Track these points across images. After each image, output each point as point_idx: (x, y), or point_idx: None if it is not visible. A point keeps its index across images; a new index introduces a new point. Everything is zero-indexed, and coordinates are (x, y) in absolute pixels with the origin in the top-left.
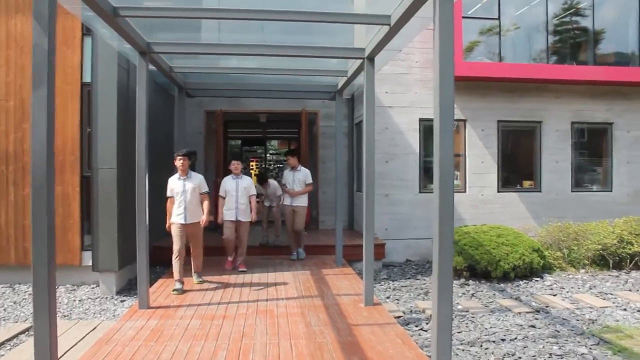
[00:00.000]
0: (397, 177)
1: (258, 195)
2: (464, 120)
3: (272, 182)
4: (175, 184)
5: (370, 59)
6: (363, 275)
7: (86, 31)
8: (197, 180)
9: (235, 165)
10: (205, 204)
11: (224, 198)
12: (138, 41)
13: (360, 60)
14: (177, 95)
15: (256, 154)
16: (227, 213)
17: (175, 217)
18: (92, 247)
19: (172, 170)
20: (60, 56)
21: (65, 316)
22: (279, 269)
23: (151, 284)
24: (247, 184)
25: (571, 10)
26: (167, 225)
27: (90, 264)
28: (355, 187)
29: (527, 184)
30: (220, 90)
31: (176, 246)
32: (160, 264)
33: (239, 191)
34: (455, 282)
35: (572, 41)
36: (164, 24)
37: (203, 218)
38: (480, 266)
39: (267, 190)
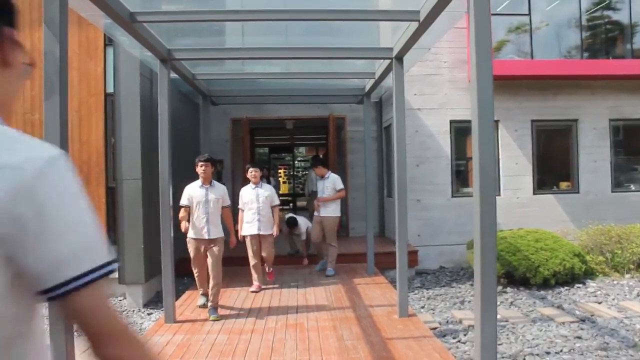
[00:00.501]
0: (429, 182)
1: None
2: (497, 121)
3: (301, 220)
4: (195, 192)
5: (399, 58)
6: (397, 285)
7: (108, 41)
8: (221, 191)
9: (254, 172)
10: (228, 218)
11: (244, 211)
12: (158, 48)
13: (388, 61)
14: (201, 103)
15: (284, 161)
16: (247, 227)
17: (195, 232)
18: (117, 259)
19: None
20: (83, 67)
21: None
22: (308, 279)
23: (179, 296)
24: (269, 192)
25: (604, 4)
26: (184, 232)
27: (117, 276)
28: (385, 193)
29: (564, 185)
30: (245, 97)
31: (194, 260)
32: (188, 275)
33: (259, 202)
34: None
35: (604, 36)
36: (184, 29)
37: (232, 239)
38: (519, 273)
39: (298, 230)
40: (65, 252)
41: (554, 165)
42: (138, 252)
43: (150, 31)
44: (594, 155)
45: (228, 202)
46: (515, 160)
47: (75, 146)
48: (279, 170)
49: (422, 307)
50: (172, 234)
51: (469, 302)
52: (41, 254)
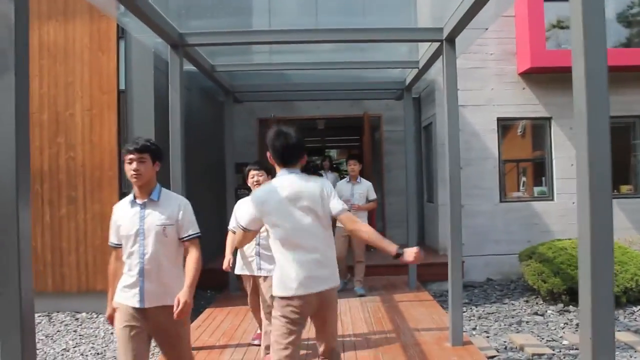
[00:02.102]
0: (474, 185)
1: None
2: (549, 118)
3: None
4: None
5: (450, 40)
6: (449, 307)
7: (122, 34)
8: None
9: (257, 177)
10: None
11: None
12: (167, 31)
13: (437, 44)
14: (225, 101)
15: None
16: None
17: (244, 267)
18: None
19: (225, 186)
20: (95, 63)
21: (99, 354)
22: (343, 295)
23: (199, 313)
24: None
25: None
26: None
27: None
28: (425, 197)
29: (624, 188)
30: (272, 92)
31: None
32: (212, 287)
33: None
34: (552, 307)
35: None
36: (198, 9)
37: None
38: None
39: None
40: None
41: (614, 166)
42: None
43: (158, 11)
44: None
45: None
46: (570, 162)
47: (87, 148)
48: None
49: (474, 329)
50: None
51: (527, 323)
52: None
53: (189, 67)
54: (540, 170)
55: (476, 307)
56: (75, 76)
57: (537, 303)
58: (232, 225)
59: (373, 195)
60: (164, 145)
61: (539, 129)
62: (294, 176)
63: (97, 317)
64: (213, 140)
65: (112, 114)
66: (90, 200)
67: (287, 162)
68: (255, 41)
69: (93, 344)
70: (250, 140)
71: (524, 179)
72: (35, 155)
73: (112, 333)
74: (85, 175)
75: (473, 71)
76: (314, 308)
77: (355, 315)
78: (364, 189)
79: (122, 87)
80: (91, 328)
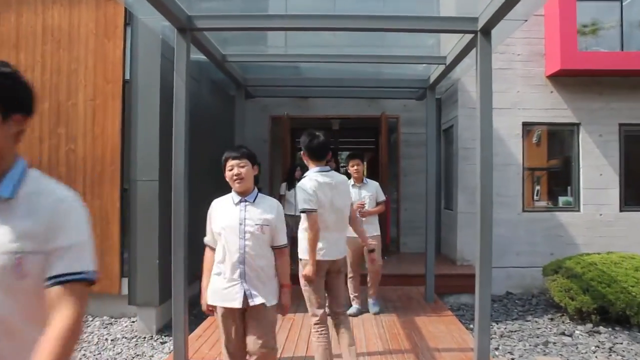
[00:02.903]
0: (495, 193)
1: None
2: (577, 124)
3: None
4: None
5: (486, 32)
6: (475, 329)
7: (129, 20)
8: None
9: (235, 176)
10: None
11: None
12: (175, 12)
13: (470, 36)
14: (236, 95)
15: None
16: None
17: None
18: (128, 275)
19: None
20: (100, 50)
21: None
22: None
23: (198, 324)
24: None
25: None
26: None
27: (127, 293)
28: (443, 204)
29: None
30: (286, 87)
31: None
32: None
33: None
34: (580, 327)
35: None
36: None
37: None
38: (616, 308)
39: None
40: None
41: None
42: (152, 268)
43: None
44: None
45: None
46: (599, 171)
47: (88, 140)
48: None
49: (496, 349)
50: (185, 247)
51: (554, 344)
52: None
53: (199, 56)
54: (565, 179)
55: (497, 324)
56: (79, 63)
57: (563, 322)
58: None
59: (382, 197)
60: (169, 135)
61: (565, 135)
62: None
63: (92, 320)
64: (223, 137)
65: (117, 104)
66: (90, 196)
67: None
68: (268, 26)
69: (85, 350)
70: (263, 139)
71: (546, 187)
72: (35, 147)
73: (106, 339)
74: (85, 169)
75: (498, 72)
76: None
77: (369, 330)
78: (372, 190)
79: (127, 76)
80: (85, 333)
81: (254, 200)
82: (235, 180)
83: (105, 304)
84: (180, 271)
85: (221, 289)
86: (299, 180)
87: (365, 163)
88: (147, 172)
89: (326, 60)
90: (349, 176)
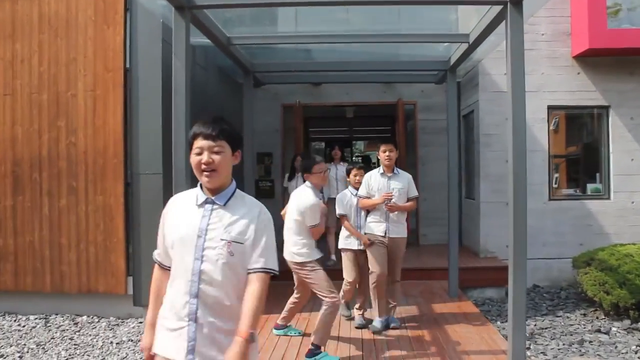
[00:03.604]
0: None
1: None
2: (607, 107)
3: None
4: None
5: (516, 2)
6: (509, 331)
7: (128, 5)
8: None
9: (205, 165)
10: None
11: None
12: None
13: (499, 7)
14: (244, 82)
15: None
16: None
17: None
18: (132, 274)
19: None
20: (100, 37)
21: None
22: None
23: None
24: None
25: None
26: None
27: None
28: (464, 193)
29: None
30: (297, 73)
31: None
32: None
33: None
34: (616, 324)
35: None
36: None
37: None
38: None
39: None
40: None
41: None
42: None
43: None
44: None
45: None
46: (630, 156)
47: (89, 133)
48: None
49: (528, 349)
50: None
51: (590, 342)
52: None
53: (203, 39)
54: (594, 165)
55: (526, 320)
56: (78, 52)
57: (597, 317)
58: None
59: (415, 192)
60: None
61: (594, 118)
62: None
63: (98, 321)
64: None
65: (118, 94)
66: (92, 191)
67: None
68: (275, 1)
69: (89, 355)
70: (275, 128)
71: (574, 174)
72: (34, 140)
73: (111, 342)
74: (87, 163)
75: None
76: None
77: (390, 331)
78: (404, 182)
79: (128, 64)
80: (90, 335)
81: (225, 203)
82: (204, 171)
83: (112, 304)
84: None
85: (166, 329)
86: (298, 169)
87: (398, 151)
88: (151, 165)
89: (339, 41)
90: (376, 164)
